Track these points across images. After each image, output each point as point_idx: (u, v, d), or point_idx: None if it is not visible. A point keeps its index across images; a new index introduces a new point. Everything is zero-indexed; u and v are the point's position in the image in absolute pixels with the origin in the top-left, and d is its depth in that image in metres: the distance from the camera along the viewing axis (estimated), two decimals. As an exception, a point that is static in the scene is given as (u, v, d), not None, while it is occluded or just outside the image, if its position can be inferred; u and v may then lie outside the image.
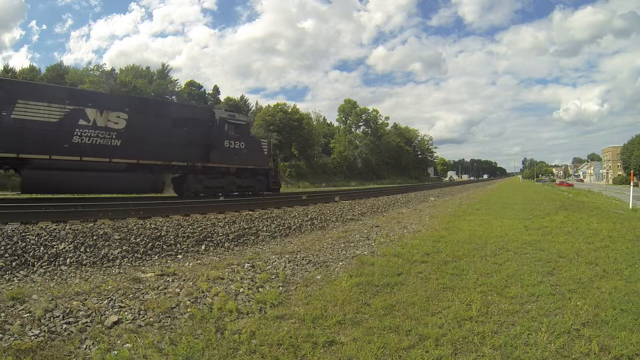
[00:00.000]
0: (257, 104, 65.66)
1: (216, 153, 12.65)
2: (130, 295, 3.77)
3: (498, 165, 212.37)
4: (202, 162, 12.38)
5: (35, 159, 9.38)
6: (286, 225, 8.71)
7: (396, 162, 71.24)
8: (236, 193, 13.62)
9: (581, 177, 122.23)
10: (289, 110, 52.08)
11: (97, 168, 10.29)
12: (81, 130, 10.07)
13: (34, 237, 5.41)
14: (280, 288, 4.17)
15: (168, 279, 4.39)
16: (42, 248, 5.24)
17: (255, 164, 13.99)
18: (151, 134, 11.31)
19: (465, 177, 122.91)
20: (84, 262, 5.22)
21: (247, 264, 5.12)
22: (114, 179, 10.64)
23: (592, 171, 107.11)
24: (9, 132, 9.06)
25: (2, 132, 8.96)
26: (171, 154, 11.75)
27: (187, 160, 12.09)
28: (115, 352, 2.69)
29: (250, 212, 9.27)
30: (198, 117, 12.80)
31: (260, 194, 14.11)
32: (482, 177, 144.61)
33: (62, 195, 10.50)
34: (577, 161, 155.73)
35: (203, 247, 6.58)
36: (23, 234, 5.46)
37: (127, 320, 3.19)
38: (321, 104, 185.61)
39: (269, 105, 53.79)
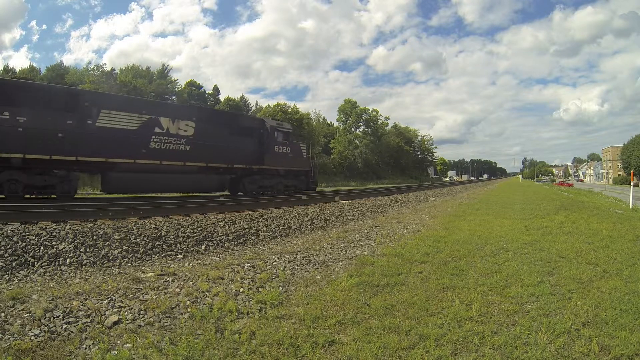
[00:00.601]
0: (257, 104, 65.67)
1: (268, 157, 14.42)
2: (130, 295, 3.77)
3: (498, 165, 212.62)
4: (257, 165, 14.10)
5: (122, 162, 10.58)
6: (286, 225, 8.71)
7: (396, 162, 71.20)
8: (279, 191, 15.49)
9: (581, 177, 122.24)
10: (289, 110, 52.07)
11: (173, 170, 11.67)
12: (157, 137, 11.26)
13: (34, 237, 5.41)
14: (280, 288, 4.17)
15: (168, 279, 4.39)
16: (42, 248, 5.24)
17: (298, 166, 16.06)
18: (215, 140, 12.71)
19: (465, 177, 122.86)
20: (84, 262, 5.21)
21: (247, 264, 5.12)
22: (187, 180, 12.13)
23: (592, 171, 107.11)
24: (95, 138, 10.10)
25: (88, 139, 9.97)
26: (232, 158, 13.28)
27: (245, 163, 13.76)
28: (115, 352, 2.69)
29: (250, 212, 9.27)
30: (252, 126, 14.72)
31: (300, 192, 16.00)
32: (482, 177, 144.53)
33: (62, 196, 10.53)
34: (577, 161, 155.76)
35: (203, 247, 6.58)
36: (23, 234, 5.46)
37: (127, 320, 3.19)
38: (321, 104, 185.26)
39: (269, 105, 53.82)
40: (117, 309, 3.40)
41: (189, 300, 3.65)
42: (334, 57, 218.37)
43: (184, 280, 4.32)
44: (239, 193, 14.00)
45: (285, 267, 5.05)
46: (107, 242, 5.78)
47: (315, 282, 4.43)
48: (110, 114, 10.40)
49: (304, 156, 16.36)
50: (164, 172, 11.43)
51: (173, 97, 50.00)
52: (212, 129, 12.79)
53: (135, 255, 5.73)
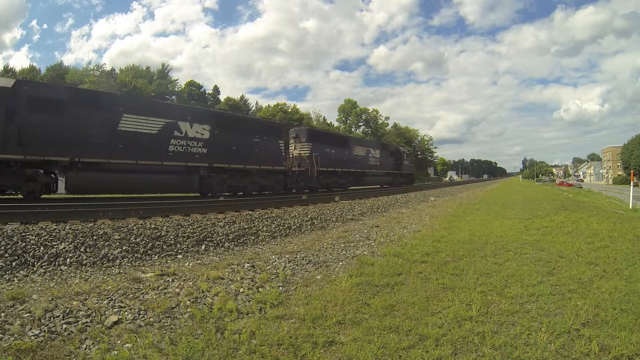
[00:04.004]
0: (257, 104, 65.70)
1: (402, 166, 28.73)
2: (130, 295, 3.77)
3: (498, 166, 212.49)
4: (398, 171, 28.10)
5: (364, 171, 23.08)
6: (286, 225, 8.71)
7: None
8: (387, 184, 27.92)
9: (581, 177, 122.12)
10: (289, 110, 52.10)
11: (375, 174, 25.01)
12: (370, 159, 23.94)
13: (34, 237, 5.41)
14: (280, 288, 4.17)
15: (168, 279, 4.39)
16: (42, 248, 5.24)
17: (409, 171, 31.23)
18: (385, 159, 26.11)
19: (465, 177, 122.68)
20: (84, 262, 5.22)
21: (247, 264, 5.12)
22: (379, 179, 25.95)
23: (592, 171, 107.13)
24: (354, 160, 21.89)
25: (352, 161, 21.71)
26: (391, 168, 27.03)
27: (395, 170, 27.66)
28: (115, 352, 2.69)
29: (250, 212, 9.27)
30: (396, 151, 28.91)
31: (404, 186, 28.44)
32: (482, 177, 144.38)
33: (63, 196, 10.57)
34: (577, 161, 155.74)
35: (203, 247, 6.58)
36: (23, 234, 5.46)
37: (127, 320, 3.19)
38: (322, 104, 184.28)
39: (269, 105, 53.85)
40: (117, 309, 3.40)
41: (189, 300, 3.64)
42: (335, 57, 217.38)
43: (184, 280, 4.32)
44: (386, 185, 26.86)
45: (285, 267, 5.05)
46: (107, 242, 5.79)
47: (315, 282, 4.43)
48: (357, 148, 22.55)
49: (411, 164, 32.64)
50: (372, 175, 24.62)
51: (173, 97, 49.99)
52: (384, 152, 26.28)
53: (135, 255, 5.73)
